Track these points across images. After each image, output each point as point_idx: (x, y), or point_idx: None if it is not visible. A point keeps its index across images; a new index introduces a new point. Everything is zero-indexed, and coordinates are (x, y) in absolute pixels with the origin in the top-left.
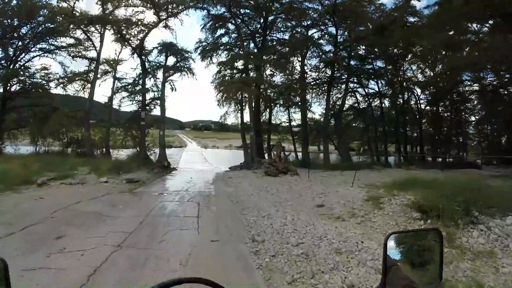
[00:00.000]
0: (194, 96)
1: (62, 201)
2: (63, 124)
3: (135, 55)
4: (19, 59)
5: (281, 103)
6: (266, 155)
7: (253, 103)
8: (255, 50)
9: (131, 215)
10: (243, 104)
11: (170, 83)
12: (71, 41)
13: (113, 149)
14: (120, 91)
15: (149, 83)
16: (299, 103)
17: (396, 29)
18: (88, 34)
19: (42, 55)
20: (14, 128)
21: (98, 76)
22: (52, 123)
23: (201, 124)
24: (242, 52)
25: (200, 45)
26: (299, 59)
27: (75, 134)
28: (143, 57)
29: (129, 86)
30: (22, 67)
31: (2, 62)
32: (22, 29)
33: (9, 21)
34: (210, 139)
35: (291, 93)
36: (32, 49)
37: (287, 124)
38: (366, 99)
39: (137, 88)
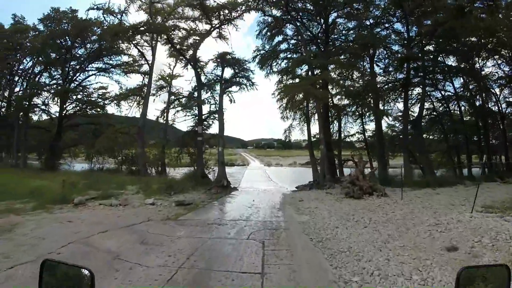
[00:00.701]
0: (255, 113)
1: (85, 229)
2: (114, 140)
3: (189, 67)
4: (74, 78)
5: (353, 110)
6: (338, 172)
7: (321, 111)
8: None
9: (156, 264)
10: (309, 115)
11: (228, 95)
12: (125, 58)
13: (169, 167)
14: (175, 105)
15: (205, 96)
16: (372, 111)
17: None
18: (139, 47)
19: (97, 74)
20: (71, 146)
21: (153, 92)
22: (103, 139)
23: (263, 142)
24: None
25: (258, 53)
26: (367, 61)
27: (130, 151)
28: (197, 68)
29: (184, 100)
30: (80, 86)
31: (59, 81)
32: (77, 49)
33: (62, 41)
34: (273, 157)
35: (365, 98)
36: (87, 69)
37: (360, 136)
38: (442, 103)
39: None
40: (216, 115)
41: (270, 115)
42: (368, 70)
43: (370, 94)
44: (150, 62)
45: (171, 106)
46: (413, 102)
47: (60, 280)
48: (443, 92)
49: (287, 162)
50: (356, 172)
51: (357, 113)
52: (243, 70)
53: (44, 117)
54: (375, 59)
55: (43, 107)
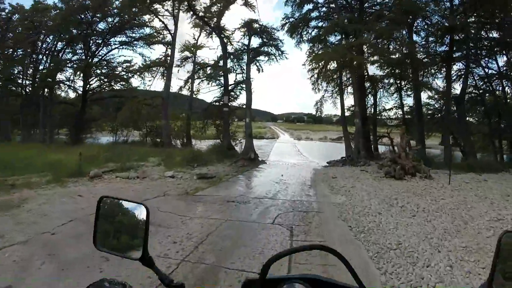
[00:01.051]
0: (285, 86)
1: (94, 204)
2: (137, 112)
3: (214, 36)
4: (97, 53)
5: (391, 82)
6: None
7: (356, 82)
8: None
9: (155, 255)
10: (343, 87)
11: (256, 63)
12: (148, 30)
13: (195, 139)
14: (199, 75)
15: (232, 66)
16: (412, 84)
17: None
18: (160, 17)
19: (121, 47)
20: (95, 120)
21: (178, 63)
22: (125, 110)
23: (293, 116)
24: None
25: (287, 21)
26: (406, 30)
27: (155, 123)
28: (223, 37)
29: (209, 69)
30: (103, 61)
31: (82, 57)
32: (98, 24)
33: (82, 16)
34: (303, 131)
35: (406, 68)
36: (110, 43)
37: (396, 111)
38: (485, 81)
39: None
40: (243, 85)
41: (300, 89)
42: (407, 39)
43: (409, 66)
44: (172, 32)
45: (196, 77)
46: (453, 78)
47: (115, 215)
48: (486, 70)
49: (318, 137)
50: (398, 149)
51: (396, 85)
52: (271, 39)
53: (71, 93)
54: (413, 30)
55: (67, 83)
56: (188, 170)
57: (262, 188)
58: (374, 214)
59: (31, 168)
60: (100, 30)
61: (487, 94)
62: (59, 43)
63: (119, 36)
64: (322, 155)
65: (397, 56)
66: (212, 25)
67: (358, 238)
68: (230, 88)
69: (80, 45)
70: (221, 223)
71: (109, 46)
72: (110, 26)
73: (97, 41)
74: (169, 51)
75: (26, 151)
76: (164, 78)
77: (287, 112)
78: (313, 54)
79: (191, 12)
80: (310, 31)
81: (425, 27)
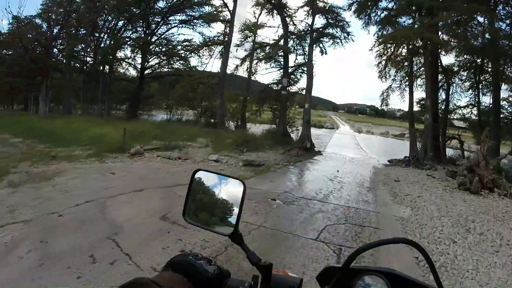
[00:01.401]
0: (349, 75)
1: (122, 184)
2: (192, 91)
3: (275, 13)
4: (156, 31)
5: (468, 76)
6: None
7: (430, 70)
8: None
9: (149, 266)
10: (413, 78)
11: (319, 45)
12: (207, 8)
13: (250, 123)
14: (258, 55)
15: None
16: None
17: None
18: None
19: (180, 26)
20: (151, 97)
21: (237, 42)
22: (178, 88)
23: (355, 107)
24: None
25: (354, 0)
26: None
27: (210, 103)
28: (284, 14)
29: (269, 48)
30: (163, 39)
31: (142, 35)
32: (158, 2)
33: None
34: (364, 123)
35: (486, 59)
36: (169, 21)
37: (471, 110)
38: None
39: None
40: (304, 68)
41: (365, 79)
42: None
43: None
44: (231, 9)
45: (255, 57)
46: None
47: (209, 189)
48: None
49: (379, 131)
50: (477, 155)
51: (473, 80)
52: (337, 20)
53: (131, 70)
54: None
55: (127, 60)
56: (236, 154)
57: (312, 186)
58: (448, 241)
59: (78, 141)
60: (159, 8)
61: None
62: (120, 22)
63: (179, 14)
64: (383, 151)
65: (478, 41)
66: (273, 1)
67: (427, 279)
68: (290, 70)
69: (140, 24)
70: (250, 230)
71: (169, 25)
72: (169, 4)
73: (156, 19)
74: (228, 30)
75: (81, 123)
76: (222, 57)
77: (349, 103)
78: (384, 35)
79: None
80: (379, 13)
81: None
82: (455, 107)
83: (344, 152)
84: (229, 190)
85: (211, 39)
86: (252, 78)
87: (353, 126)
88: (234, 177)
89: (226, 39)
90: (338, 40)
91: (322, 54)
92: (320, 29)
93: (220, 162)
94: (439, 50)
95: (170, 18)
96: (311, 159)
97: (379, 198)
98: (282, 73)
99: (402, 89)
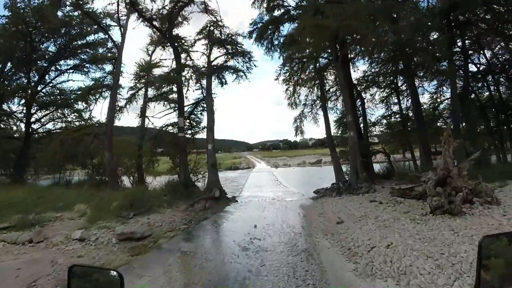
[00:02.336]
0: (259, 115)
1: None
2: (70, 145)
3: (168, 45)
4: (42, 79)
5: (382, 83)
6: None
7: (345, 81)
8: None
9: None
10: (325, 98)
11: (219, 76)
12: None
13: (152, 175)
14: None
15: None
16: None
17: None
18: (103, 26)
19: (71, 71)
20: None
21: (131, 85)
22: (54, 145)
23: (269, 144)
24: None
25: (255, 27)
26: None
27: (101, 158)
28: (175, 44)
29: (153, 80)
30: (55, 88)
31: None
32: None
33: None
34: (279, 158)
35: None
36: (61, 66)
37: (391, 119)
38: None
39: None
40: (205, 105)
41: (274, 117)
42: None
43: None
44: (118, 44)
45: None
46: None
47: (88, 283)
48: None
49: (296, 162)
50: (444, 161)
51: (389, 87)
52: (238, 51)
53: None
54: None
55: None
56: (118, 223)
57: (214, 269)
58: None
59: None
60: (48, 52)
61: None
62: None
63: (70, 59)
64: (305, 182)
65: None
66: (163, 31)
67: None
68: (188, 109)
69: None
70: None
71: (58, 71)
72: (59, 46)
73: (44, 64)
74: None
75: None
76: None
77: (262, 141)
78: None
79: (137, 14)
80: (281, 39)
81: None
82: (378, 118)
83: (263, 193)
84: (108, 283)
85: (97, 82)
86: (150, 125)
87: (269, 162)
88: (111, 269)
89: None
90: (242, 74)
91: (222, 86)
92: (221, 63)
93: (87, 240)
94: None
95: (61, 63)
96: (222, 211)
97: (329, 269)
98: (177, 109)
99: (314, 113)
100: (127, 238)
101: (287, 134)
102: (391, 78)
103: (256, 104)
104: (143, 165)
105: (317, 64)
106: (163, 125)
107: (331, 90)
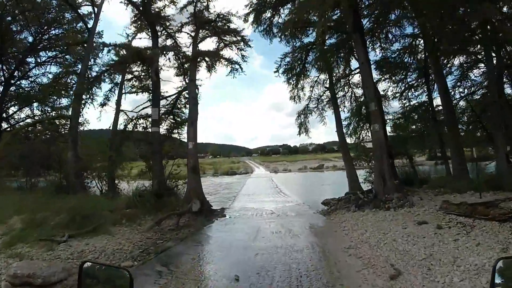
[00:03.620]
0: (259, 120)
1: None
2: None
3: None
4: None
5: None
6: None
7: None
8: None
9: None
10: (335, 86)
11: (204, 59)
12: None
13: (125, 180)
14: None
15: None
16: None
17: None
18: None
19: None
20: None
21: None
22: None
23: (268, 149)
24: None
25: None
26: None
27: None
28: (156, 22)
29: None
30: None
31: None
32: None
33: None
34: (279, 163)
35: None
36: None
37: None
38: None
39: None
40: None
41: (274, 123)
42: None
43: None
44: (91, 26)
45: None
46: None
47: (99, 280)
48: None
49: (296, 167)
50: None
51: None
52: (228, 27)
53: None
54: None
55: None
56: (44, 249)
57: None
58: None
59: None
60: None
61: None
62: None
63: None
64: (309, 189)
65: None
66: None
67: None
68: (171, 102)
69: None
70: None
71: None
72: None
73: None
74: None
75: None
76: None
77: (262, 146)
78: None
79: None
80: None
81: None
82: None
83: (260, 203)
84: (118, 280)
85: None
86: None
87: (268, 167)
88: (119, 267)
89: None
90: (237, 66)
91: (209, 71)
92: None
93: None
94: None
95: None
96: (199, 232)
97: None
98: (151, 98)
99: (320, 109)
100: (25, 283)
101: (287, 139)
102: (422, 57)
103: (256, 110)
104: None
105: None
106: (134, 117)
107: (341, 81)
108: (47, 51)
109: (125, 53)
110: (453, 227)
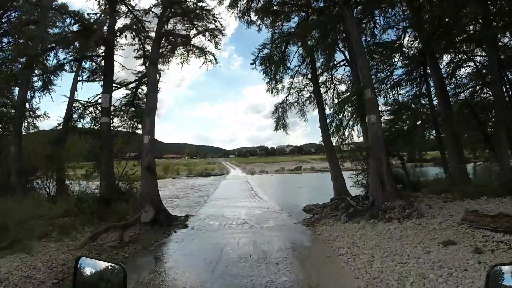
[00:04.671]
0: (236, 123)
1: None
2: None
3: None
4: None
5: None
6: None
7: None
8: None
9: None
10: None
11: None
12: None
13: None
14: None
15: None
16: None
17: None
18: None
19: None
20: None
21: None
22: None
23: (245, 150)
24: None
25: None
26: None
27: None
28: None
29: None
30: None
31: None
32: None
33: None
34: (256, 164)
35: None
36: None
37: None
38: None
39: None
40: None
41: (252, 125)
42: None
43: None
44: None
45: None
46: None
47: (93, 276)
48: None
49: (273, 169)
50: None
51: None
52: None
53: None
54: None
55: None
56: None
57: None
58: None
59: None
60: None
61: None
62: None
63: None
64: (287, 193)
65: None
66: None
67: None
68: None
69: None
70: None
71: None
72: None
73: None
74: None
75: None
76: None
77: (239, 147)
78: None
79: None
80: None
81: None
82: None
83: (230, 209)
84: (112, 275)
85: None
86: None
87: (245, 168)
88: (114, 262)
89: None
90: (212, 57)
91: (173, 52)
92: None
93: None
94: None
95: None
96: (144, 254)
97: None
98: (103, 81)
99: (301, 104)
100: None
101: (265, 141)
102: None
103: (234, 111)
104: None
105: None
106: (86, 104)
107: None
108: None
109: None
110: (496, 250)
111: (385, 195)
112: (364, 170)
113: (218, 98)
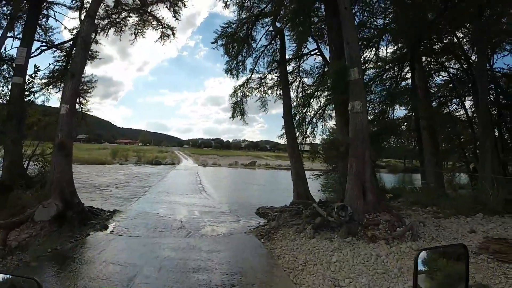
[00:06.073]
0: (194, 113)
1: None
2: None
3: None
4: None
5: None
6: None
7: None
8: None
9: None
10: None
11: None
12: None
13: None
14: None
15: None
16: None
17: None
18: None
19: None
20: None
21: None
22: None
23: (200, 141)
24: None
25: None
26: None
27: None
28: None
29: None
30: None
31: None
32: None
33: None
34: (210, 156)
35: None
36: None
37: None
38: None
39: None
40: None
41: (211, 116)
42: None
43: None
44: None
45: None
46: None
47: None
48: None
49: (227, 162)
50: None
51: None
52: None
53: None
54: None
55: None
56: None
57: None
58: None
59: None
60: None
61: None
62: None
63: None
64: (239, 189)
65: None
66: None
67: None
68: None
69: None
70: None
71: None
72: None
73: None
74: None
75: None
76: None
77: (195, 138)
78: None
79: None
80: None
81: None
82: None
83: (170, 207)
84: None
85: None
86: None
87: (198, 159)
88: (27, 276)
89: None
90: (169, 32)
91: (134, 34)
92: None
93: None
94: None
95: None
96: (36, 266)
97: None
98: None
99: (263, 91)
100: None
101: (221, 134)
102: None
103: (194, 101)
104: None
105: None
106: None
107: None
108: None
109: None
110: None
111: (366, 206)
112: (333, 170)
113: (179, 87)
